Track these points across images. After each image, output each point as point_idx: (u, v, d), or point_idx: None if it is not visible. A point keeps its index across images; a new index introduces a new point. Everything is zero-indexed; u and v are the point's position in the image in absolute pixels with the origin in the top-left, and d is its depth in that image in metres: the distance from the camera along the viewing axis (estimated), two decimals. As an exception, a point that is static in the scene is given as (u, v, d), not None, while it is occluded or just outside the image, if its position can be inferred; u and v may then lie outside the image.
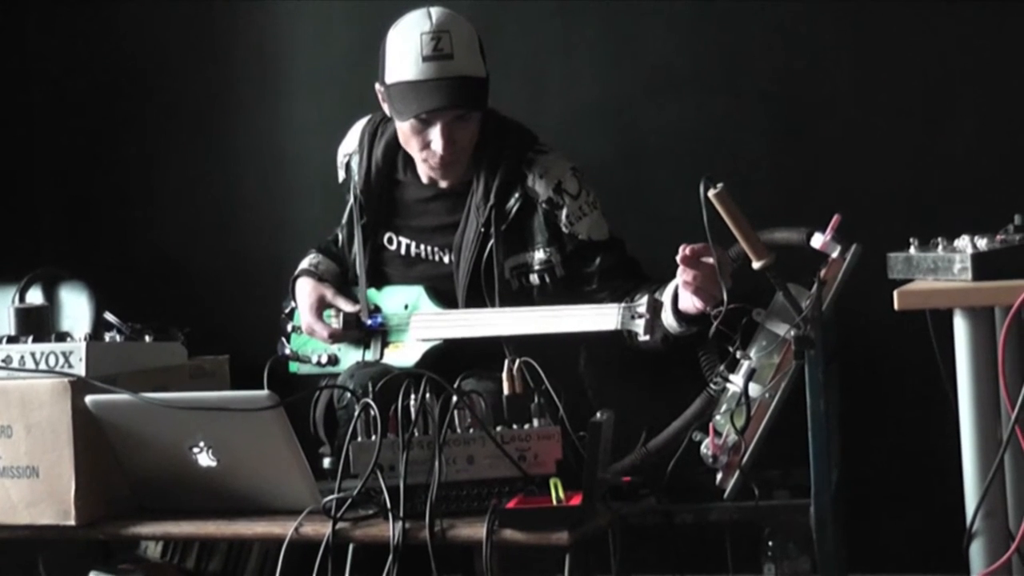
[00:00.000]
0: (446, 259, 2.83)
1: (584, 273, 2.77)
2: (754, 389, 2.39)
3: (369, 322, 2.85)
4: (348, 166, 2.95)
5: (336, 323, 2.87)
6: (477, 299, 2.76)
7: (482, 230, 2.75)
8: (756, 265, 2.32)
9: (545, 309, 2.69)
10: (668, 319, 2.55)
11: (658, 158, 3.29)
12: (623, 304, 2.61)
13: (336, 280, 2.94)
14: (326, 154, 3.05)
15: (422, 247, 2.86)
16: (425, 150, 2.76)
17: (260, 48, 3.58)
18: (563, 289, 2.77)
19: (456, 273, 2.79)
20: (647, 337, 2.58)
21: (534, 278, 2.78)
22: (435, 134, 2.72)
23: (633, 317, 2.58)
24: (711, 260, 2.37)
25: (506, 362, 2.41)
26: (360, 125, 2.95)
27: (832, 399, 2.40)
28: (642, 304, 2.58)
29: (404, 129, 2.76)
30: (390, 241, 2.89)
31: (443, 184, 2.82)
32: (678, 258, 2.39)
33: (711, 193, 2.28)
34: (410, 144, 2.78)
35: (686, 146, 3.27)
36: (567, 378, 2.66)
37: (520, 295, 2.76)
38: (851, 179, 3.18)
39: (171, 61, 3.63)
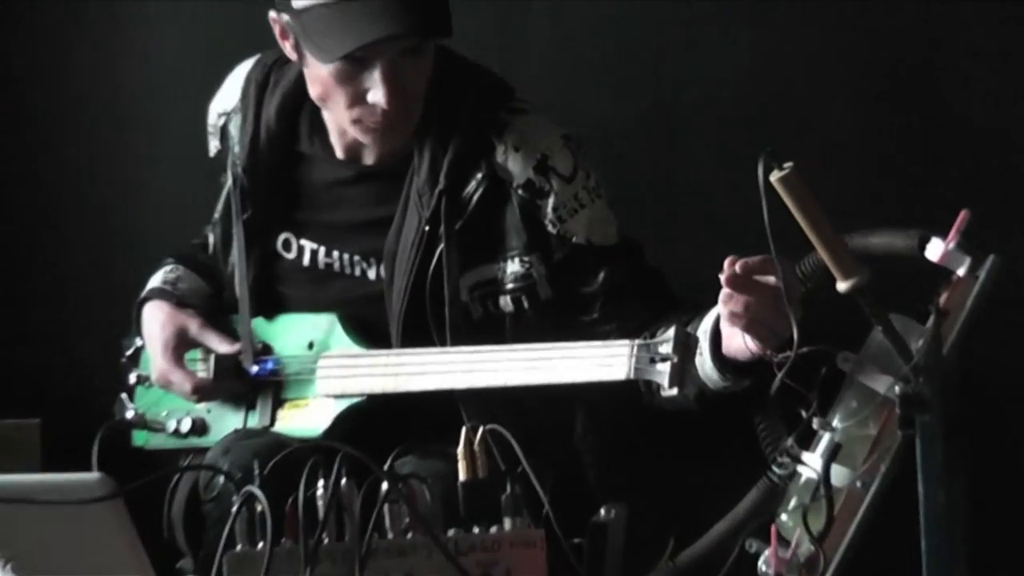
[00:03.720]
0: (371, 273, 2.84)
1: (581, 294, 2.79)
2: (838, 474, 2.40)
3: (255, 369, 2.87)
4: (225, 131, 2.96)
5: (204, 370, 2.87)
6: (419, 334, 2.77)
7: (426, 228, 2.77)
8: (842, 286, 2.31)
9: (522, 349, 2.70)
10: (707, 366, 2.56)
11: (696, 122, 3.32)
12: (638, 341, 2.61)
13: (205, 305, 2.97)
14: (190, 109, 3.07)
15: (336, 255, 2.87)
16: (357, 107, 2.75)
17: None
18: (549, 319, 2.79)
19: (388, 294, 2.81)
20: (674, 391, 2.58)
21: (505, 302, 2.80)
22: (374, 80, 2.71)
23: (653, 361, 2.58)
24: (773, 279, 2.37)
25: (463, 430, 2.40)
26: (242, 72, 2.97)
27: (958, 488, 2.40)
28: (667, 342, 2.58)
29: (323, 78, 2.75)
30: (287, 245, 2.91)
31: (369, 160, 2.84)
32: (723, 277, 2.39)
33: (774, 176, 2.27)
34: (332, 99, 2.77)
35: (738, 104, 3.28)
36: (556, 454, 2.68)
37: (484, 327, 2.79)
38: (989, 166, 3.21)
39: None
